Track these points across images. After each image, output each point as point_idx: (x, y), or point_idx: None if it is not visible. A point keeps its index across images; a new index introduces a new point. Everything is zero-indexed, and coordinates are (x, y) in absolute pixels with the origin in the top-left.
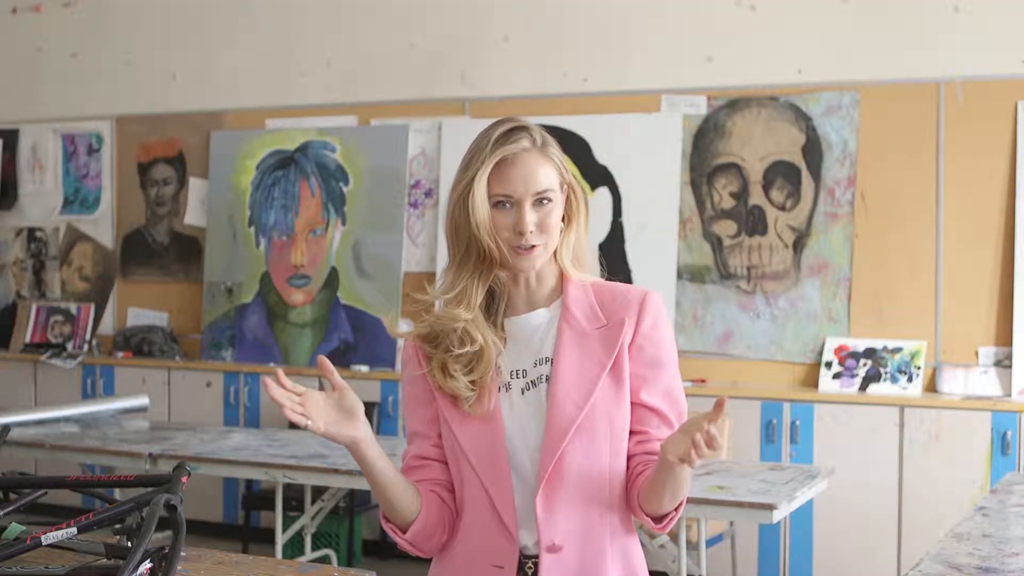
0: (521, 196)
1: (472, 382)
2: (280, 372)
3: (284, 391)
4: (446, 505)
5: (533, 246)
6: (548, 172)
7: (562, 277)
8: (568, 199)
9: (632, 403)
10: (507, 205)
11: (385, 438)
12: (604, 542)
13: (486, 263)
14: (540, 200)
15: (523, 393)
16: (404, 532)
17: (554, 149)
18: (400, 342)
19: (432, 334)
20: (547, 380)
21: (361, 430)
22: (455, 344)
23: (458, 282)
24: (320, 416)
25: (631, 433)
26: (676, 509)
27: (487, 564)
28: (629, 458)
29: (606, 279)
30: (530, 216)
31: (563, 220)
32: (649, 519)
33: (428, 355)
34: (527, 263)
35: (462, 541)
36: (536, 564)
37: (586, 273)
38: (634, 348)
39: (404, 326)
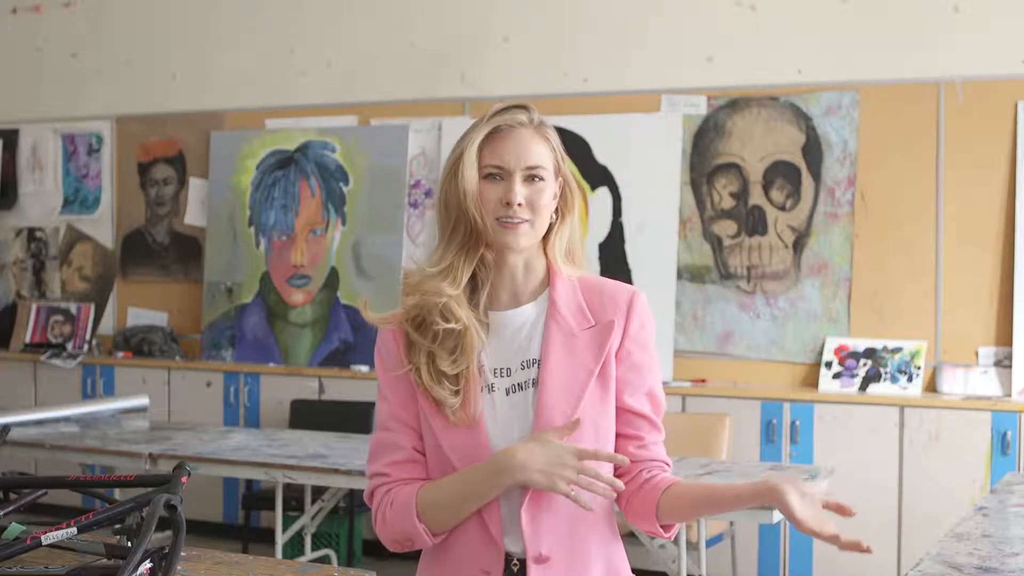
0: (512, 168)
1: (456, 389)
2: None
3: None
4: None
5: (520, 221)
6: (541, 151)
7: (549, 271)
8: (563, 192)
9: (616, 407)
10: (497, 178)
11: None
12: (589, 548)
13: (473, 240)
14: (531, 177)
15: (508, 395)
16: (435, 536)
17: (551, 132)
18: None
19: (418, 318)
20: (534, 384)
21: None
22: (438, 319)
23: (445, 258)
24: None
25: (624, 438)
26: None
27: (475, 569)
28: (631, 463)
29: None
30: (519, 189)
31: (556, 213)
32: (661, 529)
33: (410, 347)
34: (511, 238)
35: (449, 546)
36: (521, 564)
37: (579, 269)
38: (622, 352)
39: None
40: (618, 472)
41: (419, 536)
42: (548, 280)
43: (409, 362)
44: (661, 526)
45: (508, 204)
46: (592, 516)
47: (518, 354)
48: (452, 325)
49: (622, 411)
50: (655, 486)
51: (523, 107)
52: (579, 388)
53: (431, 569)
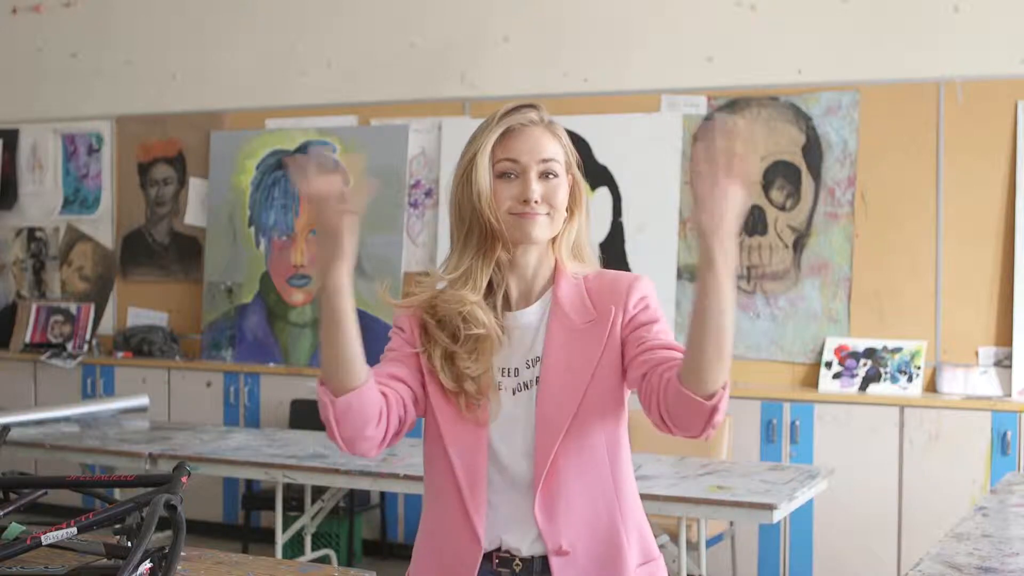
0: (527, 163)
1: (478, 388)
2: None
3: None
4: (392, 413)
5: (537, 213)
6: (554, 146)
7: (556, 270)
8: (573, 190)
9: (633, 356)
10: (512, 176)
11: None
12: (617, 532)
13: (488, 242)
14: (546, 172)
15: (514, 394)
16: (336, 396)
17: (561, 131)
18: None
19: (437, 316)
20: (537, 382)
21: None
22: (461, 326)
23: (462, 263)
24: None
25: (646, 352)
26: (724, 387)
27: (456, 562)
28: (655, 367)
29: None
30: (536, 187)
31: (566, 211)
32: (700, 400)
33: (424, 333)
34: (529, 227)
35: (434, 534)
36: (523, 563)
37: (587, 266)
38: (628, 326)
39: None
40: (644, 381)
41: (322, 398)
42: (553, 279)
43: (421, 344)
44: (704, 399)
45: (526, 202)
46: (612, 497)
47: (524, 353)
48: (477, 331)
49: (637, 348)
50: (672, 370)
51: (532, 106)
52: (581, 381)
53: (420, 555)
